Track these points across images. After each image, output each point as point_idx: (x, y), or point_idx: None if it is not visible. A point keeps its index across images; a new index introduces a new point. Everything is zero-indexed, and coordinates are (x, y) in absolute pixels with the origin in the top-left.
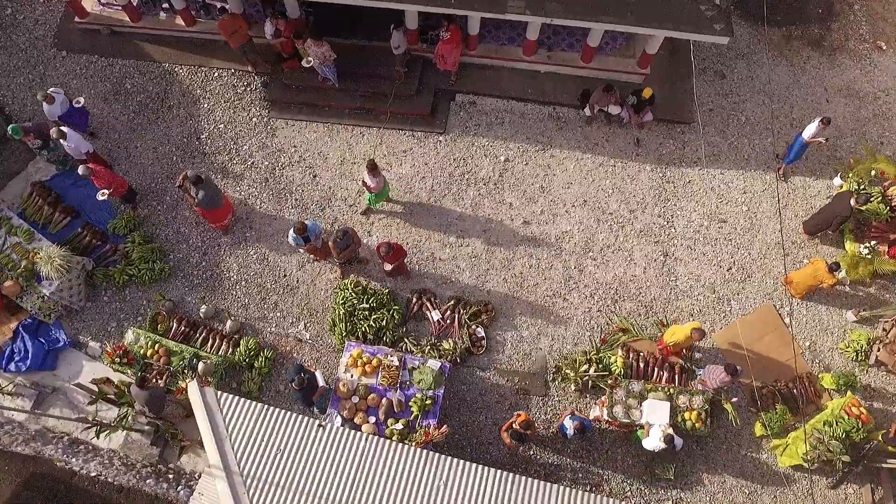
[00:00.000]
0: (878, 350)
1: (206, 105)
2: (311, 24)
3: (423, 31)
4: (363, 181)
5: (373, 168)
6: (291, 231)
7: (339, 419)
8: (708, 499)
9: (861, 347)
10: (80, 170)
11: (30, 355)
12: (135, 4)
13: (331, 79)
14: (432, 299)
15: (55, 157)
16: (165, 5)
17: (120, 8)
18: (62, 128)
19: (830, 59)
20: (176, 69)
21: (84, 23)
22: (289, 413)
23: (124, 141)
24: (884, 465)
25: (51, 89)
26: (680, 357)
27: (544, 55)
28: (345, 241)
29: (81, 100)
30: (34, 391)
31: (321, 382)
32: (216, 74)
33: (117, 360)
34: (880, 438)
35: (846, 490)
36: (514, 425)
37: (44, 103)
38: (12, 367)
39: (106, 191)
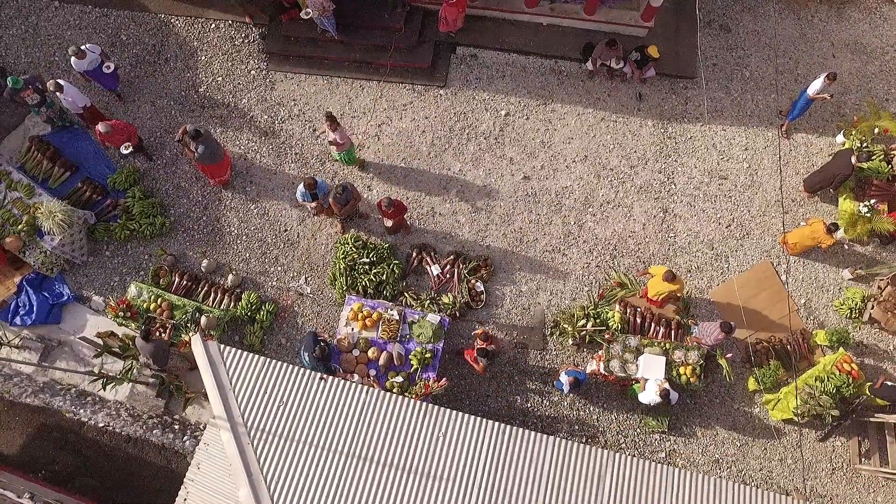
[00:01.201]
0: (872, 308)
1: (203, 57)
2: None
3: None
4: (328, 139)
5: (331, 121)
6: (301, 186)
7: (340, 371)
8: (700, 450)
9: (855, 305)
10: (101, 127)
11: (34, 309)
12: None
13: (330, 30)
14: (432, 254)
15: (52, 114)
16: None
17: None
18: (59, 80)
19: (839, 12)
20: (172, 20)
21: None
22: (291, 366)
23: (121, 94)
24: (871, 419)
25: (86, 45)
26: (663, 305)
27: (547, 7)
28: (345, 196)
29: (111, 65)
30: (40, 344)
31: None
32: (213, 26)
33: (121, 314)
34: (867, 391)
35: (834, 443)
36: (476, 342)
37: (72, 57)
38: (18, 320)
39: (129, 144)
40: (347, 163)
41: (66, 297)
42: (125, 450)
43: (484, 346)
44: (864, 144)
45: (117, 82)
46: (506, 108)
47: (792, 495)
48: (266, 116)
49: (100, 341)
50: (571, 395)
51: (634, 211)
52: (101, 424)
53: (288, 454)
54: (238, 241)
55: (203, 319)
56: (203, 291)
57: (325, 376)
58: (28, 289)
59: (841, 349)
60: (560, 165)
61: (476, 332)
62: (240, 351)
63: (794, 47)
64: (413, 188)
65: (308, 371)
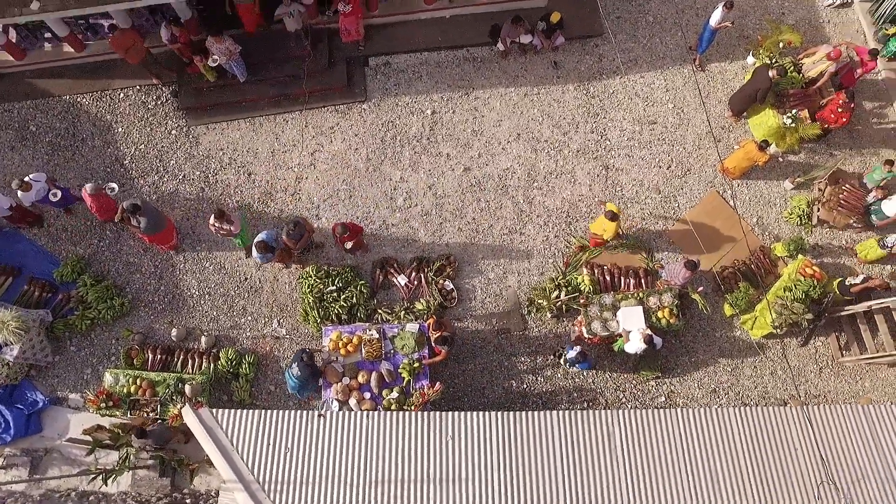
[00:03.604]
0: (818, 210)
1: (120, 129)
2: (205, 25)
3: (322, 3)
4: (220, 230)
5: (221, 215)
6: (254, 252)
7: (335, 404)
8: (696, 385)
9: (803, 212)
10: (89, 188)
11: (11, 425)
12: (14, 41)
13: (238, 74)
14: (395, 265)
15: None
16: (48, 35)
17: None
18: None
19: None
20: (79, 99)
21: None
22: (286, 412)
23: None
24: (843, 313)
25: (31, 175)
26: (602, 244)
27: (446, 0)
28: (298, 232)
29: (59, 192)
30: (27, 458)
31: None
32: (122, 95)
33: (103, 405)
34: (835, 289)
35: (815, 344)
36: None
37: (18, 191)
38: None
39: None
40: (243, 244)
41: (41, 404)
42: None
43: (440, 333)
44: (774, 60)
45: (72, 200)
46: (431, 107)
47: (789, 403)
48: (198, 172)
49: (88, 437)
50: (577, 366)
51: (578, 175)
52: None
53: (306, 497)
54: (202, 302)
55: (187, 388)
56: (180, 360)
57: (322, 413)
58: None
59: (800, 256)
60: (496, 149)
61: (429, 322)
62: (232, 411)
63: None
64: (360, 206)
65: (305, 413)
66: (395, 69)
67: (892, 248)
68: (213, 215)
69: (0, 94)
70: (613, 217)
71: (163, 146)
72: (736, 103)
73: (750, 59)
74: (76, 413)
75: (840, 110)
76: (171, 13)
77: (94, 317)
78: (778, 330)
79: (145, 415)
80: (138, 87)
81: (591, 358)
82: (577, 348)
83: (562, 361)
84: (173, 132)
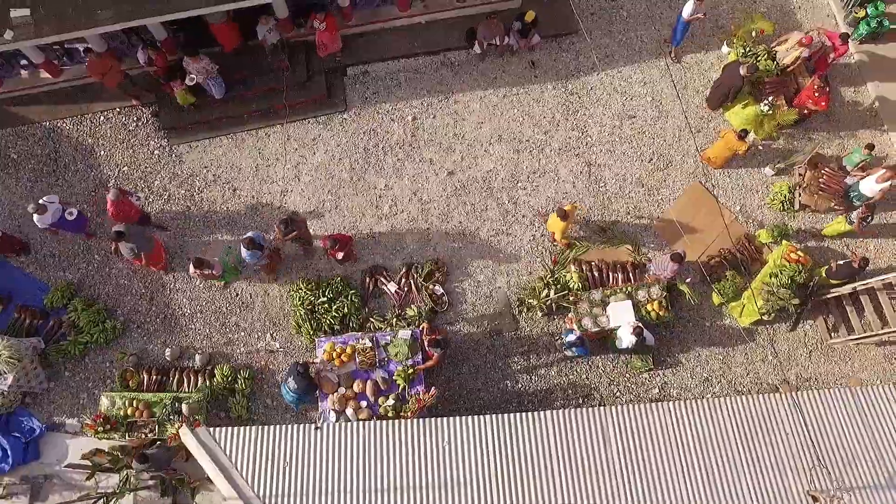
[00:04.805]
0: (800, 195)
1: (102, 152)
2: (182, 42)
3: (296, 16)
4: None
5: (200, 262)
6: (243, 251)
7: (332, 415)
8: (689, 375)
9: (785, 197)
10: (111, 195)
11: (9, 453)
12: None
13: (215, 92)
14: (385, 273)
15: None
16: (24, 62)
17: None
18: None
19: None
20: (59, 124)
21: None
22: (283, 426)
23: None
24: (830, 296)
25: (44, 198)
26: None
27: (420, 6)
28: (289, 229)
29: (74, 211)
30: (27, 485)
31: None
32: (102, 118)
33: (100, 429)
34: (823, 274)
35: (804, 328)
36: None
37: (34, 214)
38: None
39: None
40: (231, 277)
41: (38, 431)
42: None
43: (433, 337)
44: (748, 49)
45: (86, 224)
46: (411, 113)
47: (781, 389)
48: (183, 191)
49: (87, 462)
50: (574, 350)
51: (561, 173)
52: None
53: None
54: (194, 320)
55: (184, 407)
56: (175, 380)
57: (318, 425)
58: None
59: (784, 241)
60: (479, 151)
61: (423, 328)
62: (230, 428)
63: None
64: (347, 216)
65: (303, 426)
66: (373, 77)
67: (856, 223)
68: (191, 264)
69: None
70: (564, 216)
71: (146, 167)
72: (712, 100)
73: (724, 49)
74: (74, 438)
75: (817, 94)
76: (147, 34)
77: (87, 341)
78: (766, 316)
79: (143, 436)
80: (118, 109)
81: (588, 344)
82: (576, 331)
83: (562, 347)
84: (156, 152)
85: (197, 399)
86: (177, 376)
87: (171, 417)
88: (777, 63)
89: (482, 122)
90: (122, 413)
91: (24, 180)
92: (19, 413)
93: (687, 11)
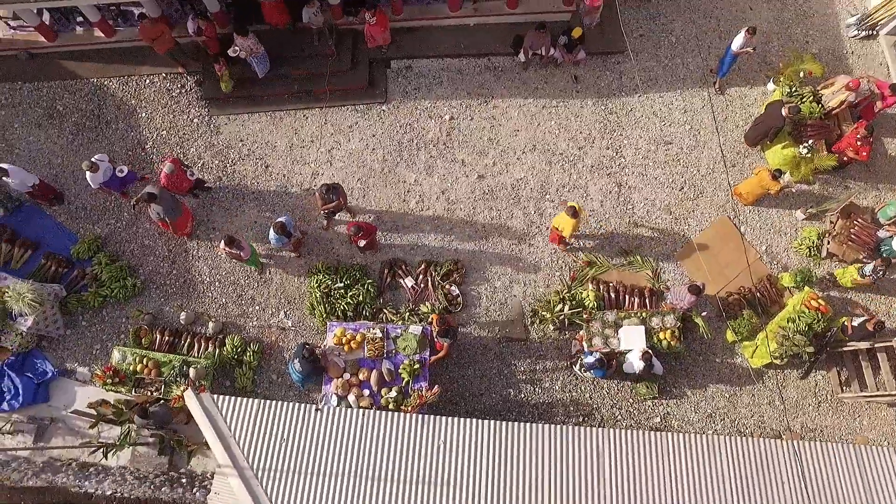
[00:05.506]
0: (828, 243)
1: (144, 114)
2: (234, 19)
3: (347, 4)
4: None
5: (231, 241)
6: (272, 233)
7: (334, 399)
8: (692, 408)
9: (813, 243)
10: (166, 168)
11: (20, 392)
12: (47, 23)
13: (258, 71)
14: (403, 267)
15: (1, 196)
16: (80, 19)
17: (32, 29)
18: (2, 165)
19: None
20: (106, 83)
21: None
22: (285, 403)
23: (68, 164)
24: (846, 349)
25: (96, 157)
26: (560, 241)
27: (470, 8)
28: (330, 196)
29: (125, 168)
30: (33, 425)
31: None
32: (148, 81)
33: (109, 381)
34: (840, 332)
35: (815, 378)
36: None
37: (87, 172)
38: (5, 406)
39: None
40: (255, 266)
41: (50, 375)
42: None
43: (442, 327)
44: (794, 89)
45: (135, 179)
46: (449, 113)
47: (784, 436)
48: (217, 161)
49: (93, 411)
50: (592, 372)
51: (590, 190)
52: (108, 493)
53: (297, 488)
54: (212, 288)
55: (191, 371)
56: (186, 343)
57: (320, 407)
58: (10, 373)
59: (806, 288)
60: (511, 159)
61: (431, 319)
62: (233, 398)
63: (712, 6)
64: (373, 206)
65: (304, 406)
66: (416, 73)
67: (869, 276)
68: (223, 241)
69: (31, 73)
70: (574, 214)
71: (184, 133)
72: (751, 137)
73: (770, 86)
74: (83, 386)
75: (859, 143)
76: (200, 4)
77: (107, 295)
78: (778, 360)
79: (149, 394)
80: (164, 74)
81: (606, 368)
82: (596, 354)
83: (577, 367)
84: (195, 120)
85: (205, 365)
86: (188, 340)
87: (178, 379)
88: (821, 106)
89: (518, 129)
90: (131, 368)
91: (67, 132)
92: (35, 355)
93: (737, 44)
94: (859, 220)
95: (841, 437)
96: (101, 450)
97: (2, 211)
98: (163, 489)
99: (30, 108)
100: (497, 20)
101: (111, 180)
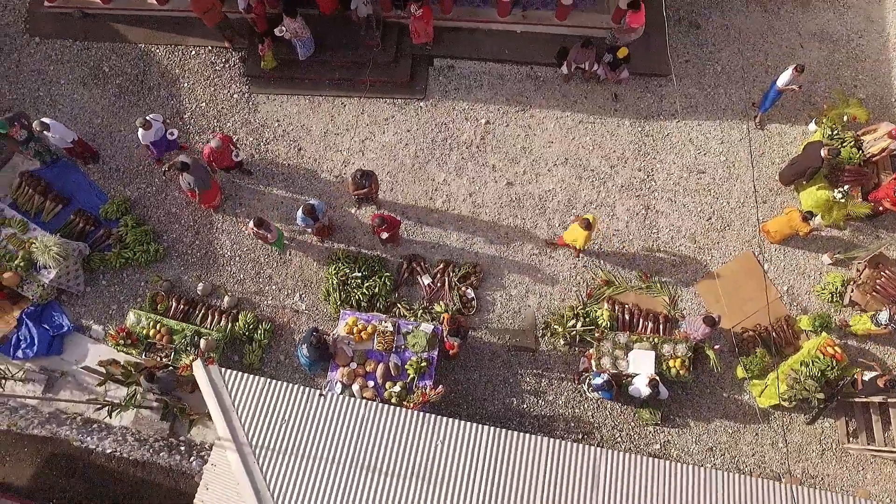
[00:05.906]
0: (852, 291)
1: (185, 84)
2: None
3: None
4: (258, 235)
5: (260, 223)
6: (300, 212)
7: (339, 387)
8: (693, 440)
9: (836, 289)
10: (213, 143)
11: (36, 342)
12: None
13: (300, 53)
14: (422, 264)
15: (40, 149)
16: None
17: None
18: (44, 119)
19: (804, 2)
20: (153, 49)
21: (54, 6)
22: (291, 385)
23: (107, 125)
24: (857, 400)
25: (150, 115)
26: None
27: (519, 15)
28: (363, 181)
29: (175, 132)
30: (43, 376)
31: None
32: (193, 53)
33: (121, 341)
34: (851, 387)
35: (822, 424)
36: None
37: (140, 129)
38: (20, 354)
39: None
40: (279, 248)
41: (66, 329)
42: (134, 474)
43: (452, 327)
44: (835, 132)
45: (177, 146)
46: (486, 117)
47: (784, 479)
48: (251, 138)
49: (102, 370)
50: (599, 393)
51: (617, 210)
52: (108, 451)
53: (293, 470)
54: (232, 263)
55: (202, 342)
56: (200, 314)
57: (324, 392)
58: (28, 322)
59: (823, 333)
60: (542, 169)
61: (443, 319)
62: (240, 373)
63: (762, 39)
64: (399, 200)
65: (308, 389)
66: (458, 73)
67: (885, 325)
68: (252, 221)
69: (82, 32)
70: (588, 226)
71: (223, 108)
72: (786, 176)
73: (811, 127)
74: (96, 344)
75: None
76: None
77: (129, 257)
78: (786, 403)
79: (158, 359)
80: (210, 47)
81: (614, 390)
82: (605, 376)
83: (585, 386)
84: (235, 96)
85: (216, 338)
86: (202, 311)
87: (188, 349)
88: (861, 152)
89: (552, 141)
90: (144, 332)
91: (110, 94)
92: (53, 307)
93: (783, 80)
94: (888, 271)
95: (842, 488)
96: (107, 408)
97: (39, 163)
98: (161, 454)
99: (77, 66)
100: (544, 30)
101: (160, 140)
